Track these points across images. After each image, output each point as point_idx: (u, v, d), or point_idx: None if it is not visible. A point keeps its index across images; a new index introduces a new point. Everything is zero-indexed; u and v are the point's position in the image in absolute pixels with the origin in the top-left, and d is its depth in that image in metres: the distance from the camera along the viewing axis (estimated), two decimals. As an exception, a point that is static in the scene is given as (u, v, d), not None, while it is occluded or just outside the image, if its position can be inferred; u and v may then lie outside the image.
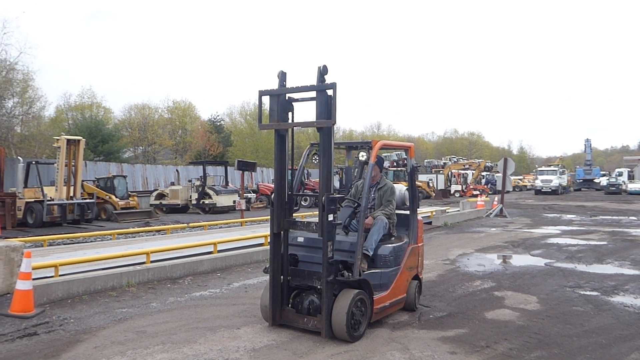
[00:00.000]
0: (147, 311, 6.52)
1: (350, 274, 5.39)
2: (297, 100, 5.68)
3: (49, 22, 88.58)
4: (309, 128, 5.52)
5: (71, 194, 17.99)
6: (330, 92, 5.25)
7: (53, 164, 18.83)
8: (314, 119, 5.39)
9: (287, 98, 5.62)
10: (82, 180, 19.58)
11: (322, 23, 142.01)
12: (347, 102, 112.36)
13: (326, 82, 5.30)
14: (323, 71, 5.32)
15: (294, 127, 5.76)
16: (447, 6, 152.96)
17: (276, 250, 5.67)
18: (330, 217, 5.23)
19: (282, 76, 5.60)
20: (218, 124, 56.21)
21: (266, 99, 5.73)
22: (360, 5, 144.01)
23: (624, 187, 47.07)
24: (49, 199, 17.24)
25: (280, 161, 5.73)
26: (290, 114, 5.68)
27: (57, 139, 17.92)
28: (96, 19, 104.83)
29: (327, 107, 5.27)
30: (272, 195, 5.72)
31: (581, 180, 57.65)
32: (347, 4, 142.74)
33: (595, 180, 56.29)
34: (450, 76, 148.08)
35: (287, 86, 5.58)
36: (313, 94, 5.39)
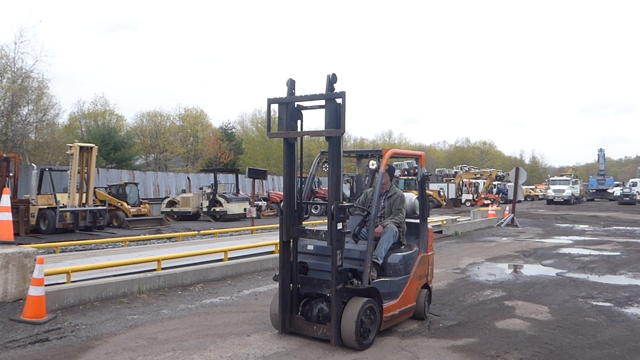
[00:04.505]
0: (158, 318, 6.56)
1: (359, 282, 5.39)
2: (306, 108, 5.66)
3: (63, 30, 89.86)
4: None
5: (83, 201, 18.15)
6: (339, 100, 5.22)
7: (66, 171, 19.03)
8: (323, 127, 5.37)
9: (295, 106, 5.61)
10: (95, 188, 19.76)
11: (334, 30, 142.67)
12: (359, 110, 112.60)
13: (335, 91, 5.26)
14: (332, 80, 5.29)
15: (303, 136, 5.76)
16: (460, 15, 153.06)
17: (285, 258, 5.68)
18: (340, 226, 5.22)
19: (291, 84, 5.58)
20: (229, 131, 56.56)
21: (275, 107, 5.72)
22: (372, 13, 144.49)
23: (638, 197, 46.51)
24: (61, 205, 17.39)
25: (289, 169, 5.72)
26: (299, 122, 5.67)
27: (70, 146, 18.10)
28: (109, 28, 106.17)
29: (336, 116, 5.24)
30: (282, 204, 5.71)
31: (594, 190, 57.05)
32: (358, 11, 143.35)
33: (608, 191, 55.74)
34: (463, 85, 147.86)
35: (296, 94, 5.57)
36: (322, 102, 5.37)
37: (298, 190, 5.82)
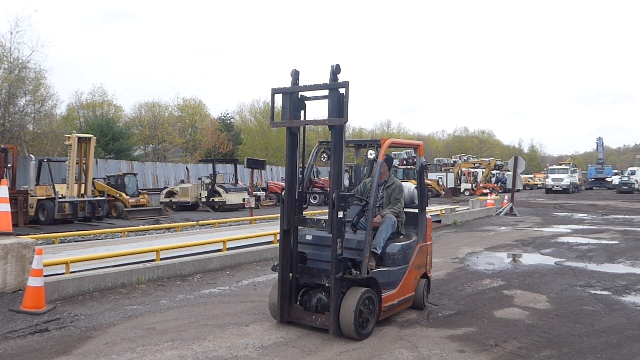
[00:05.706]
0: (157, 308, 6.56)
1: (358, 272, 5.39)
2: (309, 98, 5.72)
3: (59, 20, 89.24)
4: (318, 126, 5.57)
5: (82, 192, 18.12)
6: (342, 90, 5.26)
7: (64, 161, 18.99)
8: (326, 117, 5.39)
9: (299, 96, 5.66)
10: (93, 178, 19.73)
11: (332, 20, 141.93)
12: (357, 100, 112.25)
13: (339, 81, 5.31)
14: (336, 70, 5.33)
15: (306, 125, 5.78)
16: (458, 4, 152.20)
17: (286, 247, 5.69)
18: (340, 214, 5.25)
19: (295, 75, 5.62)
20: (228, 122, 56.39)
21: (278, 97, 5.74)
22: (371, 2, 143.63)
23: (636, 186, 46.56)
24: (60, 196, 17.38)
25: (291, 159, 5.76)
26: (302, 112, 5.72)
27: (69, 137, 18.05)
28: (107, 18, 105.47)
29: (339, 105, 5.29)
30: (283, 192, 5.74)
31: (593, 179, 57.12)
32: (356, 1, 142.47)
33: (607, 179, 55.80)
34: (461, 74, 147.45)
35: (299, 84, 5.60)
36: (325, 92, 5.40)
37: (299, 179, 5.83)
